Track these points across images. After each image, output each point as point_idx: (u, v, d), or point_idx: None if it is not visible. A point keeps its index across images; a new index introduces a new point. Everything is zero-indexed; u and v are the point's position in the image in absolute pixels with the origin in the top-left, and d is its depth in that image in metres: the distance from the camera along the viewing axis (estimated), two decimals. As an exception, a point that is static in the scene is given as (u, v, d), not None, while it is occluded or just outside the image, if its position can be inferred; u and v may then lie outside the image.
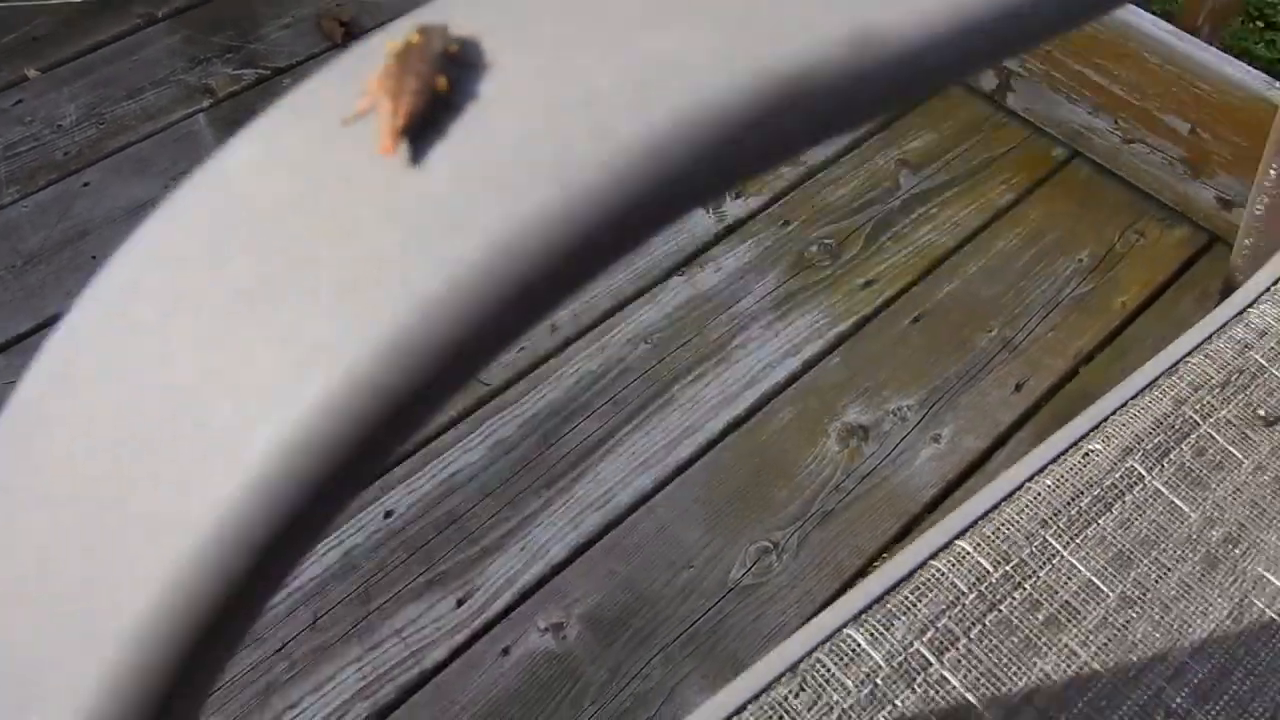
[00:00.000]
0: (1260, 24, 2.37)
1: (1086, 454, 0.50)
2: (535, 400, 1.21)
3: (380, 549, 1.11)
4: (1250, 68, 1.26)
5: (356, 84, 0.19)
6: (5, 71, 1.50)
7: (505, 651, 1.04)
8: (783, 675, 0.43)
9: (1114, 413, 0.52)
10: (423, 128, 0.18)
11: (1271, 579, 0.45)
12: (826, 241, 1.35)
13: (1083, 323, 1.28)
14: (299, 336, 0.16)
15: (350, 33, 1.56)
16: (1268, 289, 0.57)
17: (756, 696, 0.43)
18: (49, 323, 1.25)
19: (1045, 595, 0.43)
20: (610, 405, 1.20)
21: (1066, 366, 1.24)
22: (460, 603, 1.07)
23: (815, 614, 1.04)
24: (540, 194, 0.16)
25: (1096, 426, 0.52)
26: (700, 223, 1.36)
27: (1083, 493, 0.48)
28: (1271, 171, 0.77)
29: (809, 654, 0.42)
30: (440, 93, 0.18)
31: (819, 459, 1.16)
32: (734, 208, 1.38)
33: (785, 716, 0.42)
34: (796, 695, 0.42)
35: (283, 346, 0.16)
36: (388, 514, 1.14)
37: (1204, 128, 1.29)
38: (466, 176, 0.17)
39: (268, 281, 0.16)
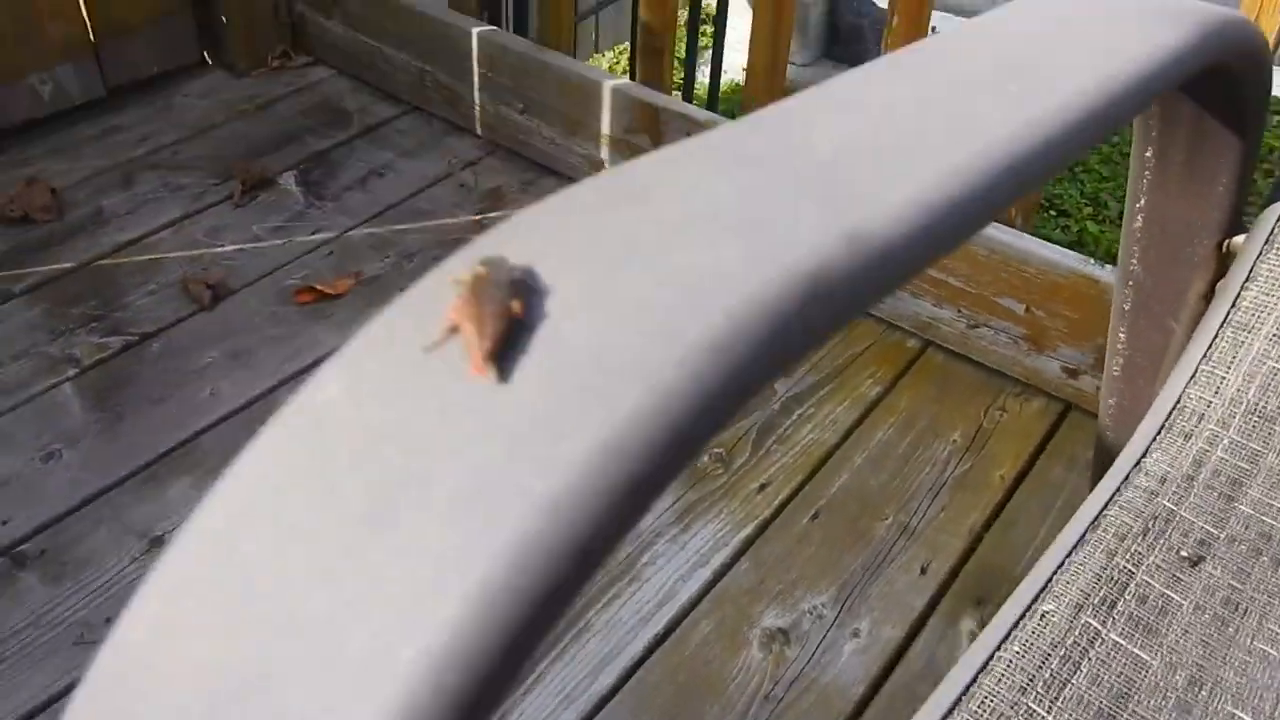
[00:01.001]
0: (1053, 212, 2.64)
1: (1043, 615, 0.52)
2: (445, 642, 1.16)
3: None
4: (1064, 249, 1.40)
5: (428, 314, 0.20)
6: None
7: None
8: None
9: (1056, 571, 0.54)
10: (506, 348, 0.19)
11: (1243, 716, 0.46)
12: (716, 450, 1.38)
13: (969, 499, 1.33)
14: (424, 553, 0.16)
15: (217, 295, 1.56)
16: (1154, 438, 0.62)
17: None
18: (-100, 622, 1.15)
19: None
20: (524, 638, 1.16)
21: (963, 544, 1.27)
22: None
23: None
24: (632, 396, 0.17)
25: (1044, 587, 0.53)
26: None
27: (1050, 654, 0.50)
28: (1120, 334, 0.84)
29: None
30: (516, 315, 0.20)
31: (744, 669, 1.14)
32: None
33: None
34: None
35: (410, 565, 0.16)
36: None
37: (1037, 306, 1.41)
38: (558, 388, 0.18)
39: (380, 503, 0.16)
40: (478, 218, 1.75)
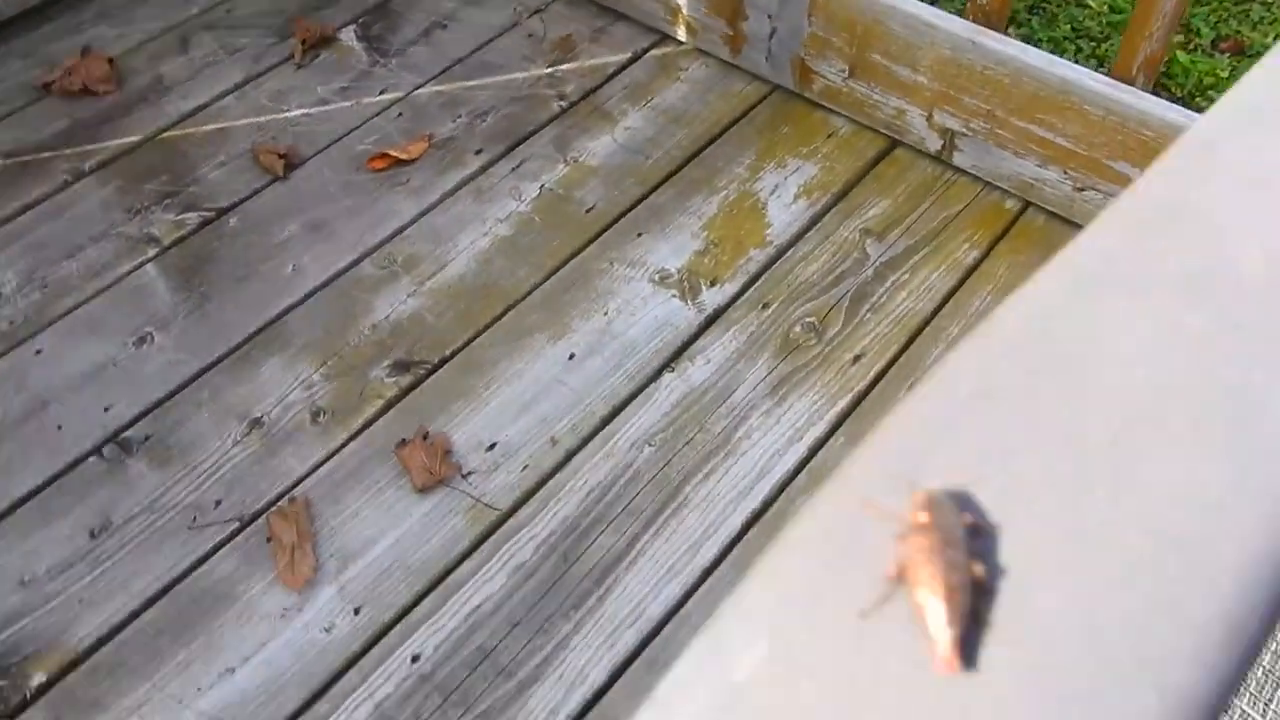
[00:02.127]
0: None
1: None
2: (548, 519, 1.18)
3: (412, 697, 1.07)
4: (1191, 111, 1.32)
5: (849, 552, 0.17)
6: (-67, 243, 1.43)
7: (567, 793, 1.01)
8: None
9: None
10: (970, 628, 0.16)
11: None
12: (809, 320, 1.36)
13: None
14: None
15: (290, 164, 1.53)
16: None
17: None
18: (20, 503, 1.19)
19: None
20: (625, 515, 1.19)
21: None
22: (511, 747, 1.03)
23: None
24: (1140, 704, 0.15)
25: None
26: (680, 315, 1.36)
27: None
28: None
29: None
30: (978, 580, 0.17)
31: (843, 544, 1.16)
32: (711, 296, 1.38)
33: None
34: None
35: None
36: (415, 658, 1.10)
37: (1147, 167, 1.34)
38: (1044, 687, 0.15)
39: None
40: (549, 70, 1.68)
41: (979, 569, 0.17)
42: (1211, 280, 0.20)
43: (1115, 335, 0.19)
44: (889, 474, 0.18)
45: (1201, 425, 0.18)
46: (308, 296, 1.38)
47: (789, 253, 1.43)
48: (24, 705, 1.06)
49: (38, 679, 1.07)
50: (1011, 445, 0.18)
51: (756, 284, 1.40)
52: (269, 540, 1.16)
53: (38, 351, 1.32)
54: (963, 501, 0.18)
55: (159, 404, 1.28)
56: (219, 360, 1.32)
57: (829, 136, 1.57)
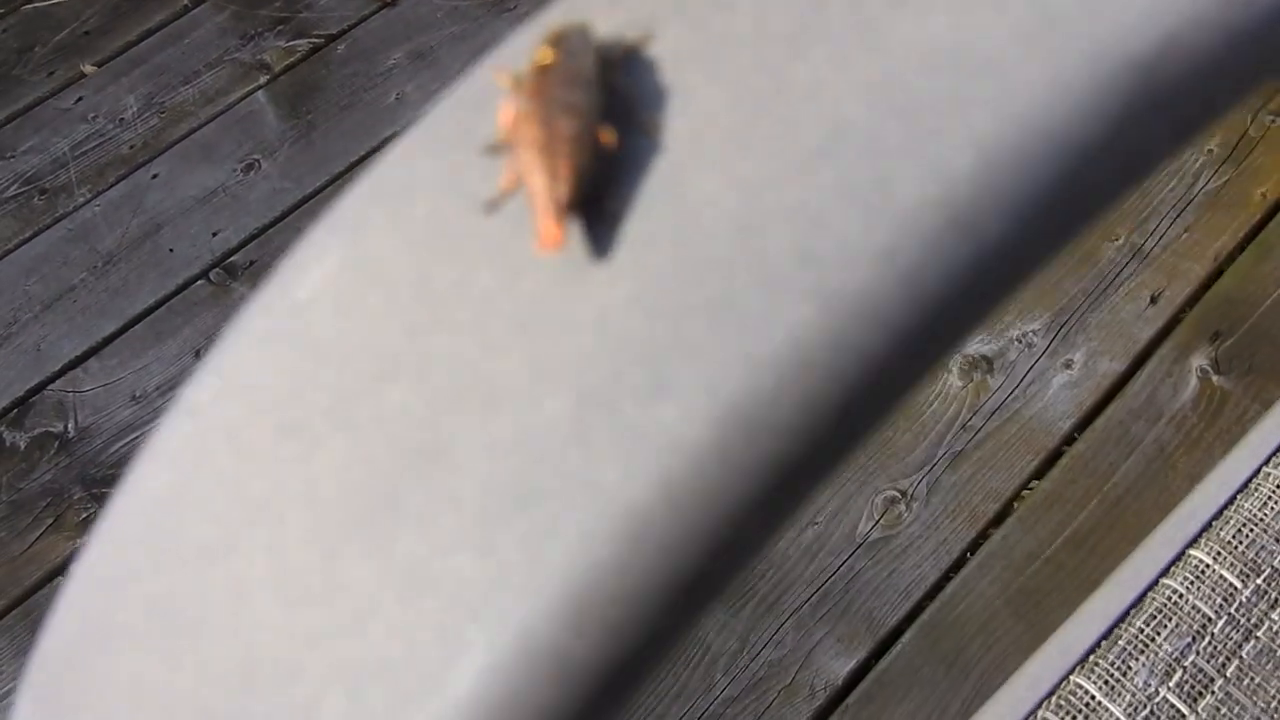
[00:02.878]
0: None
1: None
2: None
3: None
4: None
5: (472, 136, 0.13)
6: (62, 70, 1.47)
7: (631, 627, 1.00)
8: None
9: None
10: (591, 200, 0.11)
11: None
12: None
13: (1219, 220, 1.17)
14: (439, 586, 0.10)
15: (401, -13, 1.49)
16: None
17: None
18: (134, 322, 1.23)
19: None
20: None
21: (1206, 271, 1.13)
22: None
23: (956, 568, 0.97)
24: (791, 317, 0.10)
25: None
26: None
27: None
28: None
29: (1033, 713, 0.35)
30: (608, 147, 0.12)
31: (942, 397, 1.08)
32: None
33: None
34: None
35: (420, 601, 0.10)
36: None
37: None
38: (666, 291, 0.11)
39: (368, 490, 0.11)
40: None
41: (608, 136, 0.12)
42: None
43: None
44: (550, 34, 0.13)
45: None
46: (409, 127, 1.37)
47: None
48: (131, 508, 1.12)
49: (144, 485, 1.12)
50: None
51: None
52: (358, 366, 1.18)
53: (154, 176, 1.35)
54: (616, 50, 0.13)
55: (263, 231, 1.29)
56: (322, 189, 1.32)
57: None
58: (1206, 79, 0.12)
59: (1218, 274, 1.13)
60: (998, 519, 1.01)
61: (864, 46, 0.12)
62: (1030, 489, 1.02)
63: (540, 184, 0.12)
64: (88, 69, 1.47)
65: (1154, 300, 1.12)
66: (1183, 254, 1.15)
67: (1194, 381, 1.07)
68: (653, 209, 0.12)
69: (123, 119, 1.41)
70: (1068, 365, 1.09)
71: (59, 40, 1.50)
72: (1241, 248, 1.15)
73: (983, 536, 1.00)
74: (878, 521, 1.02)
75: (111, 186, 1.35)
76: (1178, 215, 1.17)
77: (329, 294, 0.12)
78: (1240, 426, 1.04)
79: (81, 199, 1.35)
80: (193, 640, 0.11)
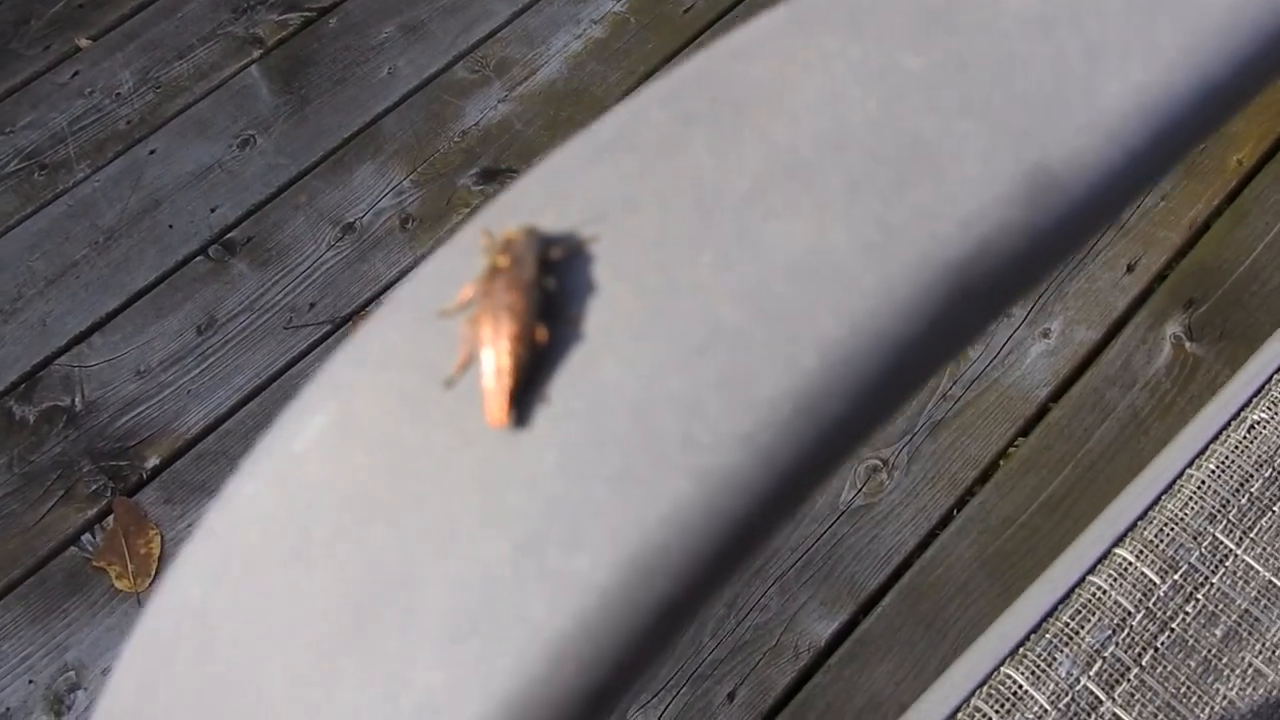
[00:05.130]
0: None
1: (1252, 427, 0.45)
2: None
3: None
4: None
5: (433, 322, 0.16)
6: (58, 43, 1.48)
7: (623, 592, 1.04)
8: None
9: (1277, 372, 0.47)
10: (524, 389, 0.15)
11: None
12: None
13: (1196, 188, 1.19)
14: (401, 693, 0.13)
15: (391, -42, 1.50)
16: None
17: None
18: (136, 298, 1.26)
19: (1221, 605, 0.40)
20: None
21: (1181, 239, 1.16)
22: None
23: (935, 533, 1.01)
24: (673, 489, 0.13)
25: (1260, 390, 0.46)
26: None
27: (1252, 475, 0.44)
28: None
29: (966, 701, 0.39)
30: (540, 343, 0.15)
31: (923, 367, 1.12)
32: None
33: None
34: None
35: (398, 700, 0.13)
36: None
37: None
38: (581, 463, 0.14)
39: (362, 610, 0.14)
40: None
41: (542, 333, 0.15)
42: (962, 13, 0.16)
43: (805, 79, 0.16)
44: (512, 218, 0.16)
45: (859, 185, 0.15)
46: (401, 101, 1.38)
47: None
48: (140, 484, 1.15)
49: (152, 461, 1.16)
50: (638, 196, 0.15)
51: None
52: (356, 340, 1.21)
53: (151, 151, 1.37)
54: (551, 248, 0.16)
55: (260, 207, 1.32)
56: (316, 165, 1.34)
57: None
58: (1013, 274, 0.15)
59: (1193, 242, 1.16)
60: (974, 486, 1.05)
61: (741, 252, 0.15)
62: (1007, 456, 1.06)
63: (488, 377, 0.15)
64: (83, 43, 1.48)
65: (1130, 269, 1.15)
66: (1159, 222, 1.17)
67: (1167, 348, 1.10)
68: (573, 391, 0.15)
69: (119, 94, 1.43)
70: (1045, 334, 1.12)
71: (54, 13, 1.51)
72: (1217, 214, 1.17)
73: (961, 503, 1.04)
74: (860, 489, 1.06)
75: (110, 162, 1.37)
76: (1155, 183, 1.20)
77: (321, 448, 0.15)
78: (1211, 391, 1.07)
79: (81, 174, 1.37)
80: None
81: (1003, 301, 0.15)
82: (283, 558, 0.15)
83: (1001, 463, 1.06)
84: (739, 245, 0.15)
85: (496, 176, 1.30)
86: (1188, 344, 1.10)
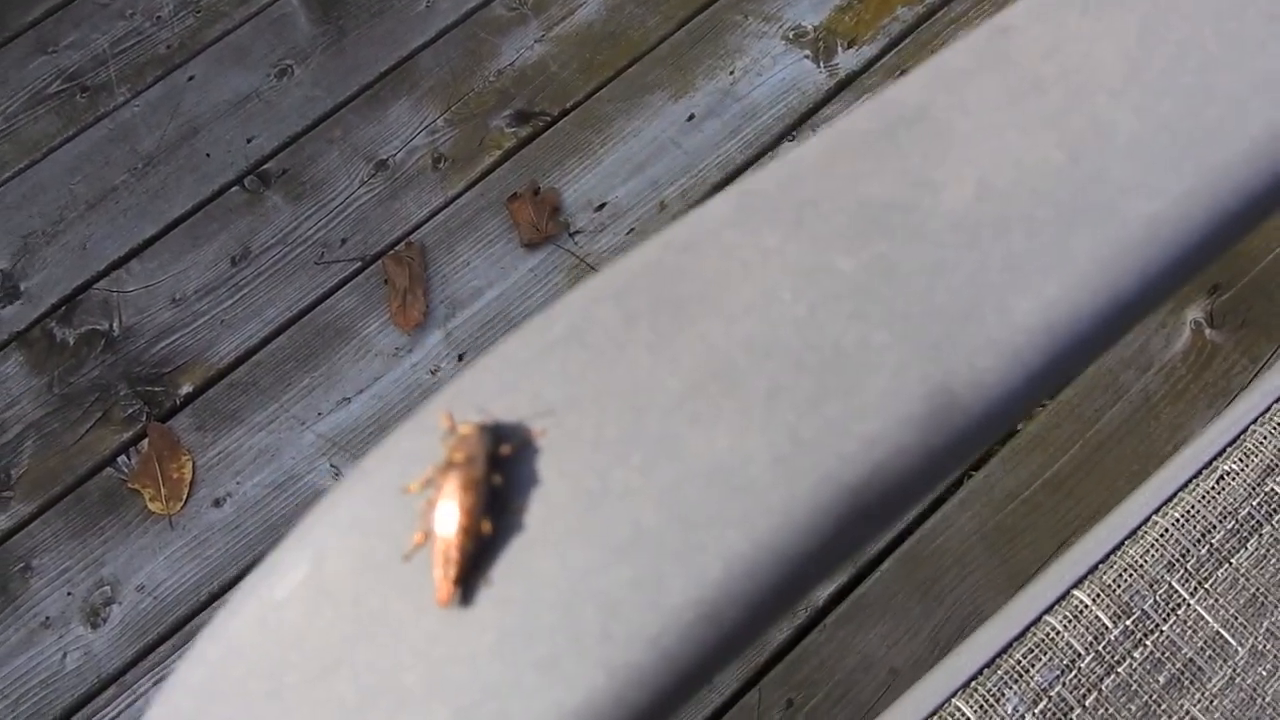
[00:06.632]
0: None
1: (1222, 477, 0.47)
2: (647, 285, 1.20)
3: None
4: None
5: (397, 496, 0.18)
6: (99, -39, 1.48)
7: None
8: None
9: (1253, 423, 0.48)
10: (469, 573, 0.17)
11: None
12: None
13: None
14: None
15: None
16: None
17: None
18: (173, 226, 1.29)
19: (1168, 653, 0.42)
20: (723, 287, 1.18)
21: (1211, 221, 1.15)
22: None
23: (939, 502, 1.04)
24: (589, 680, 0.15)
25: (1234, 440, 0.47)
26: (810, 78, 1.29)
27: (1215, 526, 0.45)
28: None
29: None
30: (485, 536, 0.17)
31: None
32: (846, 59, 1.30)
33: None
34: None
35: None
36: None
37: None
38: (514, 648, 0.16)
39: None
40: None
41: (487, 526, 0.18)
42: (898, 213, 0.18)
43: (744, 278, 0.17)
44: (470, 400, 0.18)
45: (779, 393, 0.17)
46: (439, 36, 1.38)
47: (940, 13, 1.31)
48: (174, 410, 1.20)
49: (185, 388, 1.20)
50: (581, 394, 0.17)
51: (898, 49, 1.30)
52: (385, 283, 1.23)
53: (190, 78, 1.39)
54: (501, 444, 0.18)
55: (295, 139, 1.33)
56: (351, 98, 1.35)
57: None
58: (902, 493, 0.17)
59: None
60: (982, 459, 1.07)
61: (666, 456, 0.17)
62: (1016, 432, 1.07)
63: (437, 566, 0.18)
64: (124, -37, 1.48)
65: (1157, 249, 1.14)
66: (1190, 203, 1.16)
67: (1187, 333, 1.10)
68: (512, 578, 0.17)
69: (159, 16, 1.44)
70: (1065, 310, 1.12)
71: (95, -70, 1.51)
72: (1250, 198, 1.16)
73: (966, 475, 1.06)
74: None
75: (149, 87, 1.39)
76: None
77: (297, 599, 0.18)
78: (1226, 380, 1.08)
79: (121, 98, 1.39)
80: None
81: (892, 517, 0.17)
82: (262, 694, 0.17)
83: (1010, 438, 1.07)
84: (664, 449, 0.17)
85: (529, 120, 1.31)
86: (1207, 330, 1.10)
